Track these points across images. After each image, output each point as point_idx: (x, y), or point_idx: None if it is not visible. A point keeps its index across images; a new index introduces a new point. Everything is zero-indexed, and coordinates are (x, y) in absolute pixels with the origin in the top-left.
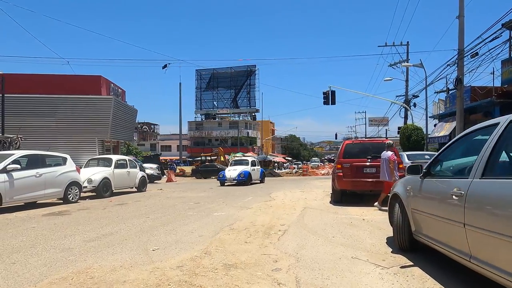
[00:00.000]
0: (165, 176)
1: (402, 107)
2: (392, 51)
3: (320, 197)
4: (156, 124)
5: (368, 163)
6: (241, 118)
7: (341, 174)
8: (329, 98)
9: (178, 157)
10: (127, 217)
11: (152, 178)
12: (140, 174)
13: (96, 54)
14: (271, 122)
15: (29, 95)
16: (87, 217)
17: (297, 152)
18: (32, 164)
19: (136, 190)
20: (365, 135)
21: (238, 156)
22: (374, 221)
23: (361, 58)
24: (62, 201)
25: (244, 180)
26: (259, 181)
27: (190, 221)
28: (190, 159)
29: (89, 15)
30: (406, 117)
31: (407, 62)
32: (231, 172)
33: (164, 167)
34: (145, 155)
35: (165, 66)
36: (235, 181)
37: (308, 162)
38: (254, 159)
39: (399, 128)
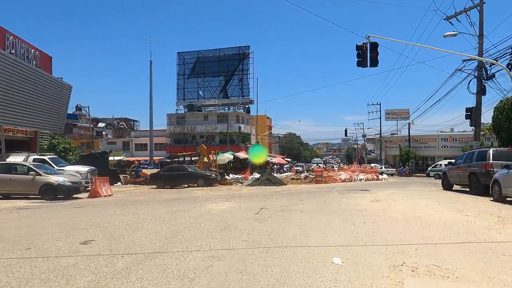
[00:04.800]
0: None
1: (474, 77)
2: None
3: None
4: (136, 121)
5: None
6: (231, 110)
7: None
8: (367, 55)
9: (157, 158)
10: None
11: (64, 191)
12: None
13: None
14: (268, 117)
15: None
16: None
17: (297, 152)
18: None
19: None
20: (380, 131)
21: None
22: None
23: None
24: None
25: None
26: None
27: None
28: (169, 160)
29: None
30: (482, 90)
31: (482, 6)
32: None
33: (129, 171)
34: (83, 154)
35: None
36: None
37: (309, 164)
38: None
39: (468, 110)
